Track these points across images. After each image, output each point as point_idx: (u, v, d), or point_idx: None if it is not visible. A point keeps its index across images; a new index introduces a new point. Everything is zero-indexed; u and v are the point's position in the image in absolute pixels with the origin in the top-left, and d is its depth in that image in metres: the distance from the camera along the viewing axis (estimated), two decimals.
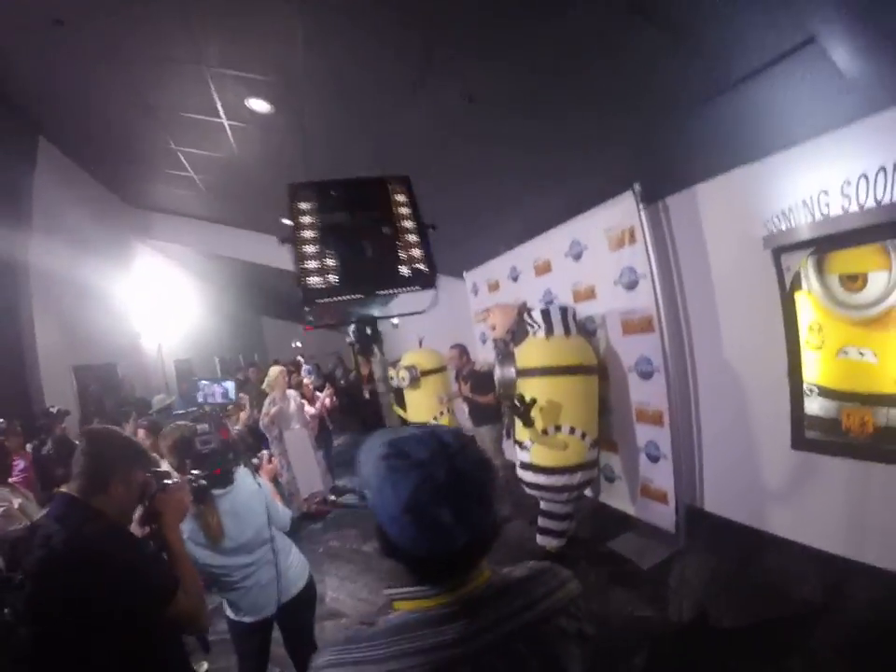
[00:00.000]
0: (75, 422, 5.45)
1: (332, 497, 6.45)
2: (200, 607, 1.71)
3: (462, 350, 5.71)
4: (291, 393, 5.76)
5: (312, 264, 1.78)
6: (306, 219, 1.86)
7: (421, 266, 1.96)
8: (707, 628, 3.14)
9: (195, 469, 2.25)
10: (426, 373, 6.06)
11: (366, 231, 1.92)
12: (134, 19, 3.34)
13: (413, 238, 1.98)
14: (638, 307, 4.25)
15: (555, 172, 4.31)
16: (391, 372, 6.24)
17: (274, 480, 2.94)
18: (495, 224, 5.63)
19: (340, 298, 1.83)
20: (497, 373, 4.45)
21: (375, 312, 2.15)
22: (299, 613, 2.63)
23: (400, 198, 2.04)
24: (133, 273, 7.59)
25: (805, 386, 3.31)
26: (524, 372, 4.25)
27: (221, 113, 4.38)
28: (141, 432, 3.81)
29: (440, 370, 6.13)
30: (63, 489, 1.65)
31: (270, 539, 2.51)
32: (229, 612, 2.50)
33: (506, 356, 4.50)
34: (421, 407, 6.20)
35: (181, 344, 8.96)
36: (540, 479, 4.08)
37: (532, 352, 4.29)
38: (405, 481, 0.86)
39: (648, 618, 3.35)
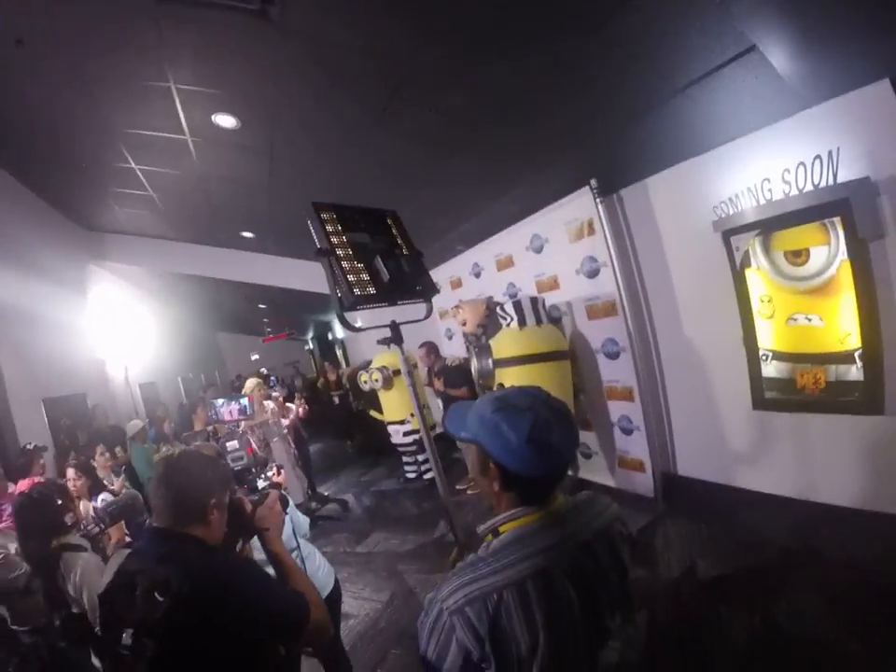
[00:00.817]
0: (50, 457, 5.27)
1: (315, 504, 6.27)
2: (326, 617, 1.58)
3: (431, 347, 5.83)
4: (268, 404, 5.69)
5: (353, 277, 1.91)
6: (336, 239, 2.00)
7: (424, 282, 2.19)
8: (696, 581, 3.32)
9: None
10: (397, 373, 6.09)
11: (384, 251, 2.09)
12: (101, 37, 3.23)
13: (416, 262, 2.22)
14: (601, 293, 4.48)
15: (516, 173, 4.46)
16: (363, 376, 6.29)
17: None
18: (457, 224, 5.74)
19: (375, 306, 2.00)
20: (475, 366, 4.57)
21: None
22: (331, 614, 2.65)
23: (396, 228, 2.28)
24: (92, 299, 7.29)
25: (760, 352, 3.59)
26: (501, 363, 4.39)
27: (185, 129, 4.29)
28: (70, 472, 3.64)
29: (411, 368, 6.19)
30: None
31: (297, 547, 2.49)
32: None
33: (482, 348, 4.60)
34: (397, 405, 6.26)
35: (145, 368, 8.70)
36: None
37: (507, 342, 4.42)
38: (521, 421, 1.09)
39: (641, 577, 3.49)
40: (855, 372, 3.06)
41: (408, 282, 2.10)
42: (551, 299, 5.07)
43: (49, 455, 5.26)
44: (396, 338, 2.22)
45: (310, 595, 1.55)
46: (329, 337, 15.25)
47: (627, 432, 4.56)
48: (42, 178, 5.86)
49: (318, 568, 2.62)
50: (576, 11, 2.60)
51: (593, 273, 4.54)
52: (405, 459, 6.50)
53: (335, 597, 2.69)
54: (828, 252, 3.06)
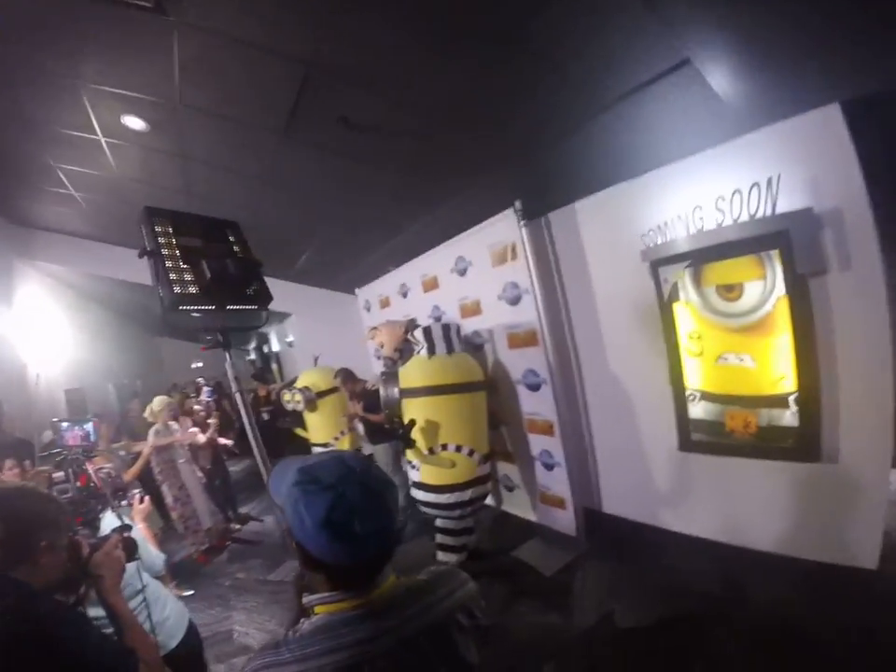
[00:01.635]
0: None
1: (237, 526, 5.71)
2: None
3: (347, 374, 5.22)
4: (174, 426, 4.94)
5: (175, 276, 1.84)
6: (164, 239, 1.93)
7: (258, 289, 2.11)
8: (611, 630, 2.94)
9: None
10: (322, 394, 5.47)
11: (217, 256, 2.01)
12: (13, 29, 2.68)
13: (248, 268, 2.14)
14: (523, 321, 4.03)
15: (439, 191, 3.99)
16: (286, 395, 5.62)
17: (165, 516, 2.48)
18: (383, 242, 5.25)
19: (199, 307, 1.91)
20: (382, 393, 4.10)
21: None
22: (182, 667, 2.05)
23: (234, 237, 2.22)
24: (17, 298, 6.25)
25: (687, 392, 3.20)
26: (407, 392, 3.88)
27: (97, 130, 3.71)
28: None
29: (336, 389, 5.50)
30: None
31: (141, 590, 2.04)
32: None
33: (389, 376, 4.15)
34: (321, 428, 5.62)
35: (74, 372, 7.59)
36: (431, 497, 3.72)
37: (413, 372, 3.91)
38: (320, 502, 0.91)
39: (554, 625, 3.12)
40: (789, 417, 2.68)
41: (238, 286, 2.03)
42: (473, 324, 4.59)
43: None
44: (225, 344, 2.13)
45: (144, 650, 1.39)
46: (265, 350, 14.35)
47: (549, 467, 4.09)
48: None
49: (166, 619, 2.12)
50: (496, 20, 2.22)
51: (514, 300, 4.08)
52: None
53: (191, 645, 2.18)
54: (763, 287, 2.69)
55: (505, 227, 3.92)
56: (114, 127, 3.61)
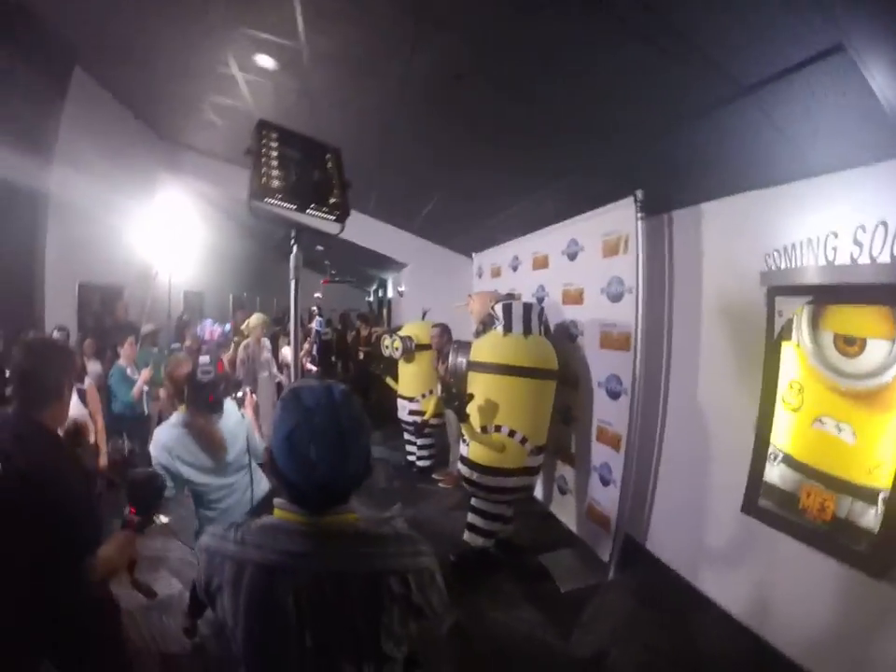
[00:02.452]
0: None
1: None
2: (119, 561, 1.54)
3: (443, 329, 5.13)
4: (265, 342, 5.29)
5: (265, 171, 1.98)
6: (266, 142, 2.06)
7: (340, 203, 2.19)
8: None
9: (193, 393, 2.32)
10: (421, 347, 5.44)
11: (310, 166, 2.15)
12: None
13: (338, 186, 2.22)
14: (619, 322, 3.61)
15: (558, 166, 3.68)
16: (385, 340, 5.71)
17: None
18: (499, 211, 5.04)
19: (280, 203, 2.03)
20: (451, 361, 4.01)
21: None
22: None
23: (333, 158, 2.28)
24: (156, 204, 7.07)
25: (770, 449, 2.66)
26: (473, 365, 3.71)
27: (233, 66, 3.97)
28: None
29: None
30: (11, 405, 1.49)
31: (248, 465, 2.55)
32: (205, 528, 2.35)
33: (461, 345, 4.03)
34: (411, 382, 5.62)
35: (197, 278, 8.51)
36: (474, 475, 3.54)
37: (484, 346, 3.72)
38: (290, 419, 0.99)
39: (547, 643, 2.87)
40: (872, 518, 2.10)
41: (320, 195, 2.13)
42: (572, 313, 4.24)
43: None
44: (297, 240, 2.22)
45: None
46: (380, 294, 14.83)
47: (605, 482, 3.73)
48: (125, 87, 5.62)
49: (263, 492, 2.62)
50: None
51: (616, 297, 3.66)
52: (406, 437, 5.91)
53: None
54: (889, 350, 2.10)
55: (622, 216, 3.47)
56: (248, 64, 3.82)
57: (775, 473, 2.61)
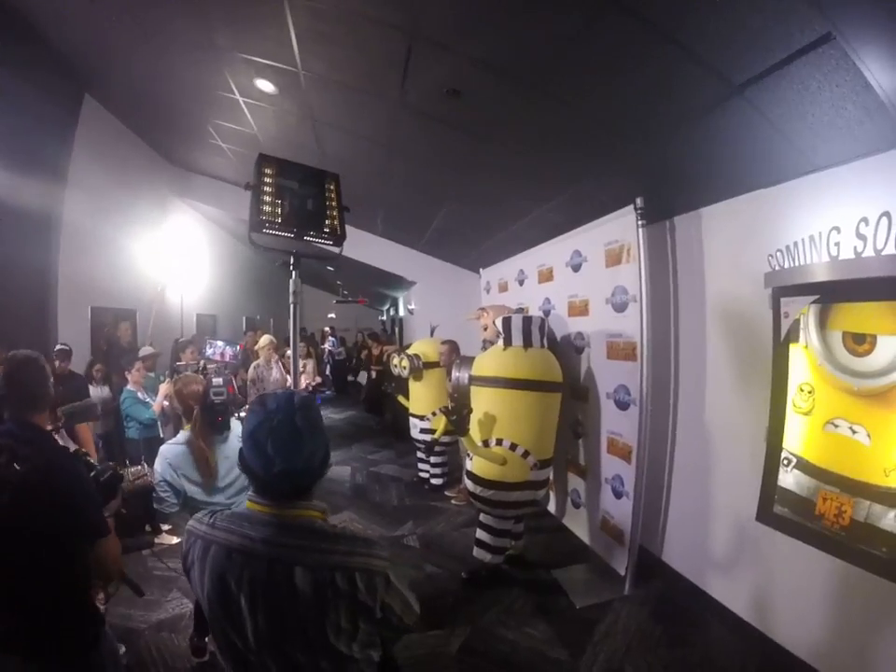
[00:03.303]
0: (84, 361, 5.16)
1: None
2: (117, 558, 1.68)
3: (452, 347, 5.08)
4: (276, 362, 5.28)
5: (264, 205, 2.15)
6: (266, 178, 2.21)
7: (336, 229, 2.36)
8: None
9: (203, 413, 2.41)
10: (429, 365, 5.38)
11: (307, 197, 2.30)
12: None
13: (335, 213, 2.39)
14: (625, 331, 3.53)
15: (558, 177, 3.66)
16: (395, 360, 5.67)
17: None
18: (504, 226, 5.04)
19: (279, 232, 2.19)
20: (454, 375, 3.96)
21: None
22: None
23: (331, 186, 2.41)
24: (167, 228, 7.15)
25: (783, 454, 2.55)
26: (475, 380, 3.67)
27: (235, 91, 4.05)
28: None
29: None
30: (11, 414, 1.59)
31: (248, 486, 2.36)
32: None
33: (464, 360, 3.98)
34: (422, 399, 5.56)
35: (209, 300, 8.54)
36: (477, 489, 3.46)
37: (485, 361, 3.69)
38: (254, 419, 1.12)
39: (557, 661, 2.75)
40: (892, 521, 1.99)
41: (315, 222, 2.29)
42: (578, 325, 4.16)
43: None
44: (294, 264, 2.38)
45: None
46: (391, 313, 14.88)
47: (617, 495, 3.61)
48: (133, 115, 5.77)
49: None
50: None
51: (621, 307, 3.58)
52: (419, 455, 5.84)
53: None
54: None
55: (623, 225, 3.43)
56: (249, 89, 3.89)
57: (789, 479, 2.50)
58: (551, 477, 3.87)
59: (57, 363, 4.32)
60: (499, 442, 3.40)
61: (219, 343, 5.96)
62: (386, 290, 11.91)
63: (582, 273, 4.13)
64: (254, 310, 11.05)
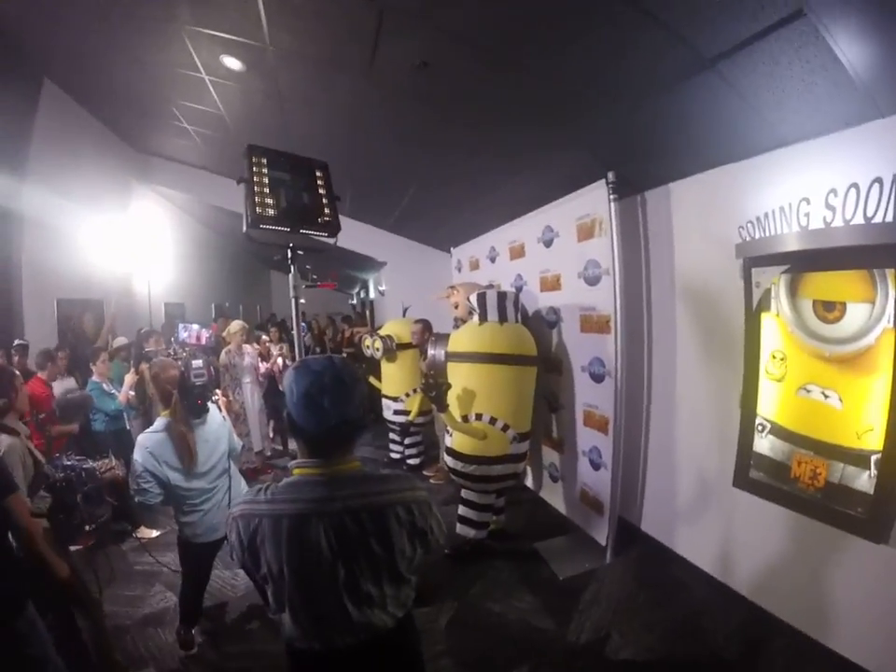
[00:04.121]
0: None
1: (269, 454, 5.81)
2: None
3: (425, 326, 5.02)
4: (247, 349, 5.15)
5: (259, 200, 2.10)
6: (257, 170, 2.17)
7: (331, 220, 2.33)
8: (601, 656, 2.56)
9: (183, 396, 2.40)
10: (403, 346, 5.30)
11: (297, 188, 2.25)
12: None
13: (329, 203, 2.36)
14: (598, 304, 3.54)
15: (527, 150, 3.59)
16: (367, 341, 5.57)
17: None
18: (474, 201, 4.94)
19: (276, 227, 2.15)
20: (430, 353, 3.94)
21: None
22: None
23: (321, 174, 2.41)
24: (131, 215, 6.82)
25: (757, 420, 2.62)
26: (452, 356, 3.66)
27: (201, 68, 3.83)
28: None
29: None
30: None
31: (228, 468, 2.63)
32: (186, 534, 2.54)
33: (439, 337, 3.97)
34: (395, 381, 5.46)
35: (176, 288, 8.27)
36: (458, 465, 3.47)
37: (462, 336, 3.66)
38: (303, 380, 1.18)
39: (545, 630, 2.80)
40: (865, 481, 2.07)
41: (310, 215, 2.25)
42: (551, 300, 4.16)
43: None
44: (292, 258, 2.33)
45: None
46: (362, 296, 14.69)
47: (595, 466, 3.66)
48: (94, 99, 5.45)
49: (241, 493, 2.56)
50: None
51: (594, 280, 3.58)
52: (391, 437, 5.78)
53: None
54: (870, 313, 2.06)
55: (594, 199, 3.42)
56: (215, 66, 3.69)
57: (764, 445, 2.57)
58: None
59: (16, 359, 4.18)
60: (479, 417, 3.40)
61: (194, 326, 5.77)
62: (357, 273, 11.72)
63: (554, 248, 4.11)
64: (222, 297, 10.75)
